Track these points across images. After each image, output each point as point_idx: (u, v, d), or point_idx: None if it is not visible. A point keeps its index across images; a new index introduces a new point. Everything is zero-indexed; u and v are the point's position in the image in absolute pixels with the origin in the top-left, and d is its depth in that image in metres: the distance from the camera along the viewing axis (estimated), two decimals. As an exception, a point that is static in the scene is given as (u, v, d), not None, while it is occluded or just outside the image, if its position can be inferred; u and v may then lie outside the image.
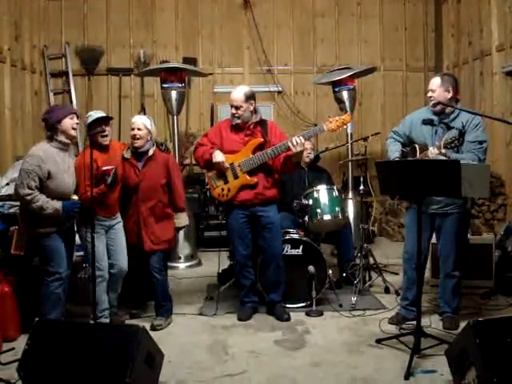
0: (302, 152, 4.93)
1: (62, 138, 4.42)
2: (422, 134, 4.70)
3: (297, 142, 4.78)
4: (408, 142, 4.81)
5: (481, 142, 4.47)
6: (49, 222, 4.38)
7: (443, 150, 4.33)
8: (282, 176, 5.41)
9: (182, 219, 5.14)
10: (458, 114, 4.58)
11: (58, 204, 4.33)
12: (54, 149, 4.41)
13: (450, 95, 4.58)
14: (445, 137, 4.36)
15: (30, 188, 4.24)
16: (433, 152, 4.39)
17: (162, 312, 5.01)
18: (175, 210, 5.08)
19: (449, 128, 4.58)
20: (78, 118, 4.51)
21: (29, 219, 4.39)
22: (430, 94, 4.65)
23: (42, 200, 4.27)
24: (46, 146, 4.42)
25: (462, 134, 4.26)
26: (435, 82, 4.63)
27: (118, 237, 4.86)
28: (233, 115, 5.03)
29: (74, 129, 4.45)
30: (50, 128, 4.42)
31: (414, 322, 4.22)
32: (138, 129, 4.88)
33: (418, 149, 4.64)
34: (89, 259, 4.58)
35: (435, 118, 4.66)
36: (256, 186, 4.99)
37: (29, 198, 4.24)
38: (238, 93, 5.02)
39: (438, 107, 4.59)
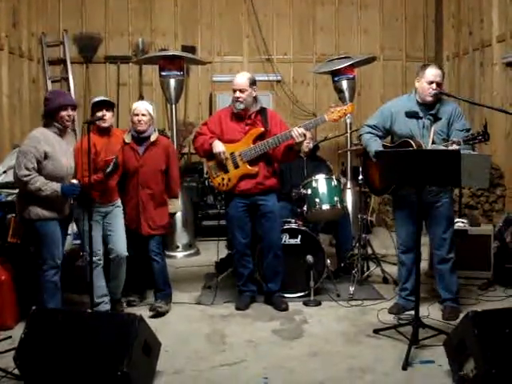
0: (303, 141, 4.93)
1: (56, 124, 4.43)
2: (407, 127, 4.62)
3: (299, 133, 4.78)
4: (387, 136, 4.76)
5: (468, 130, 4.48)
6: (50, 206, 4.38)
7: (462, 147, 4.23)
8: (281, 165, 5.41)
9: (176, 205, 5.29)
10: (440, 105, 4.58)
11: (56, 185, 4.32)
12: (50, 133, 4.42)
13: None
14: (458, 134, 4.41)
15: (27, 169, 4.24)
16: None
17: (161, 296, 5.01)
18: (170, 196, 5.12)
19: (436, 119, 4.55)
20: (74, 109, 4.52)
21: (29, 202, 4.36)
22: (435, 87, 4.52)
23: (40, 181, 4.27)
24: (43, 129, 4.44)
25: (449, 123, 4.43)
26: (441, 74, 4.56)
27: (115, 222, 4.83)
28: (236, 100, 4.95)
29: (66, 120, 4.45)
30: (47, 115, 4.44)
31: (413, 312, 4.21)
32: (143, 114, 4.87)
33: (414, 144, 4.48)
34: (85, 247, 4.58)
35: (419, 109, 4.60)
36: (257, 176, 4.97)
37: (26, 178, 4.24)
38: (242, 77, 4.99)
39: (434, 97, 4.55)
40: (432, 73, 4.56)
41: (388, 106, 4.87)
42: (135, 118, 4.89)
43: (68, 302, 4.88)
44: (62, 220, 4.53)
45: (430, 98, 4.55)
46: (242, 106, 4.96)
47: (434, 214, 4.69)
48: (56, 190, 4.31)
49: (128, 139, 4.95)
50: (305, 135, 4.84)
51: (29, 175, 4.24)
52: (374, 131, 4.79)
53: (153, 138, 4.94)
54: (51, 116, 4.41)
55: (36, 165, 4.27)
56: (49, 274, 4.41)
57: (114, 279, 4.88)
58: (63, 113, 4.40)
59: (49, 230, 4.41)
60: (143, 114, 4.87)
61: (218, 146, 4.94)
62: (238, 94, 4.95)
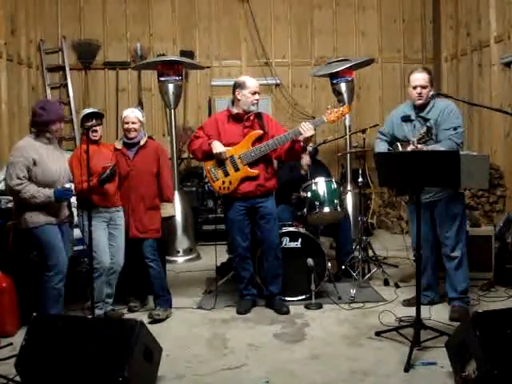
0: (311, 137, 4.96)
1: (47, 135, 4.49)
2: (403, 131, 4.79)
3: (307, 128, 4.83)
4: (394, 141, 4.85)
5: (455, 128, 4.51)
6: (45, 211, 4.40)
7: (418, 146, 4.39)
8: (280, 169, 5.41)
9: (168, 209, 5.18)
10: (433, 105, 4.65)
11: (49, 191, 4.37)
12: (37, 142, 4.46)
13: (433, 89, 4.67)
14: (416, 133, 4.48)
15: (18, 178, 4.29)
16: (409, 149, 4.45)
17: (160, 303, 5.00)
18: (162, 199, 5.11)
19: (426, 120, 4.64)
20: (64, 121, 4.66)
21: (23, 211, 4.38)
22: (419, 91, 4.62)
23: (32, 189, 4.32)
24: (29, 139, 4.49)
25: (429, 129, 4.34)
26: (425, 77, 4.64)
27: (118, 234, 4.89)
28: (257, 102, 5.02)
29: (57, 132, 4.53)
30: (40, 124, 4.46)
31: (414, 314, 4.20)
32: (133, 123, 4.97)
33: (399, 146, 4.71)
34: (88, 252, 4.62)
35: (412, 112, 4.73)
36: (257, 178, 4.98)
37: (19, 187, 4.28)
38: (256, 81, 5.08)
39: (422, 99, 4.65)
40: (414, 77, 4.69)
41: (392, 112, 5.03)
42: (125, 126, 5.00)
43: (68, 307, 4.86)
44: (60, 225, 4.54)
45: (418, 102, 4.68)
46: (254, 109, 5.04)
47: (437, 212, 4.75)
48: (49, 196, 4.35)
49: (119, 146, 5.05)
50: (312, 129, 4.87)
51: (21, 184, 4.28)
52: (382, 136, 4.98)
53: (142, 142, 5.03)
54: (43, 127, 4.45)
55: (26, 173, 4.32)
56: (54, 280, 4.43)
57: (107, 287, 4.88)
58: (57, 126, 4.48)
59: (48, 235, 4.43)
60: (133, 122, 4.97)
61: (218, 147, 4.94)
62: (257, 96, 5.02)
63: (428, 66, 4.80)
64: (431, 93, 4.59)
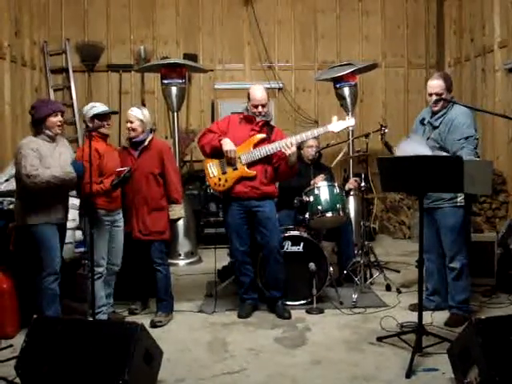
0: (294, 154, 4.96)
1: (47, 131, 4.43)
2: (420, 134, 4.81)
3: (289, 145, 4.87)
4: None
5: (467, 138, 4.50)
6: (45, 210, 4.36)
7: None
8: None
9: (176, 211, 5.09)
10: (444, 113, 4.64)
11: (69, 168, 4.35)
12: (40, 141, 4.42)
13: (451, 94, 4.66)
14: (454, 144, 4.51)
15: (32, 166, 4.21)
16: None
17: (162, 308, 4.98)
18: (169, 201, 5.04)
19: (434, 128, 4.68)
20: (62, 114, 4.55)
21: (24, 208, 4.36)
22: (435, 98, 4.61)
23: (48, 171, 4.26)
24: (32, 138, 4.44)
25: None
26: (441, 85, 4.61)
27: (118, 235, 4.87)
28: (259, 114, 5.04)
29: (58, 126, 4.46)
30: (36, 123, 4.44)
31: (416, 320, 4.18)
32: (130, 121, 4.93)
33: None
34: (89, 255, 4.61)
35: (428, 116, 4.76)
36: (253, 180, 4.99)
37: (36, 172, 4.20)
38: (263, 92, 5.07)
39: (438, 106, 4.64)
40: (430, 85, 4.70)
41: (420, 113, 5.06)
42: (126, 126, 4.99)
43: (68, 310, 4.85)
44: (58, 225, 4.51)
45: (434, 109, 4.68)
46: (263, 119, 5.07)
47: (438, 220, 4.74)
48: (69, 172, 4.32)
49: (127, 144, 5.05)
50: (292, 146, 4.89)
51: (37, 169, 4.22)
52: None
53: (146, 143, 4.97)
54: (41, 123, 4.41)
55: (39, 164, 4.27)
56: (48, 280, 4.40)
57: (107, 287, 4.88)
58: (53, 119, 4.41)
59: (46, 234, 4.39)
60: (131, 121, 4.93)
61: (228, 144, 4.95)
62: (260, 108, 5.03)
63: (445, 72, 4.70)
64: (446, 96, 4.61)
